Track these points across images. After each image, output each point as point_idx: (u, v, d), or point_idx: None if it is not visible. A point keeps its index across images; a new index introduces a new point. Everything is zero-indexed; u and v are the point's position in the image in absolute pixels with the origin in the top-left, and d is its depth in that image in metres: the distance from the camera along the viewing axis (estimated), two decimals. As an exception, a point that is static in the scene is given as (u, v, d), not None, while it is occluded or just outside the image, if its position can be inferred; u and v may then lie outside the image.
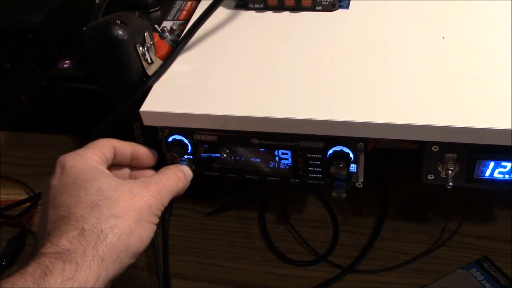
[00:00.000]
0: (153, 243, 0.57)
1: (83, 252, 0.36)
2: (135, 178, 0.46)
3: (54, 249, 0.36)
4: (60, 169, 0.41)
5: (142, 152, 0.47)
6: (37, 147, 0.77)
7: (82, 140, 0.65)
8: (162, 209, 0.42)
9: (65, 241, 0.36)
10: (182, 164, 0.47)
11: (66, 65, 0.58)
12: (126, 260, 0.38)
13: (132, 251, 0.38)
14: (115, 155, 0.44)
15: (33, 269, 0.34)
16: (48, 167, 0.72)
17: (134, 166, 0.47)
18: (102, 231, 0.37)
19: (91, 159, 0.41)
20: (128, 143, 0.46)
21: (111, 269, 0.37)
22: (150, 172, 0.47)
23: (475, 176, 0.45)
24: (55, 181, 0.40)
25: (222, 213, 0.66)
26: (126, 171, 0.47)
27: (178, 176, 0.44)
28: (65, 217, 0.37)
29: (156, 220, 0.41)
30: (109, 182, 0.39)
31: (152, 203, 0.40)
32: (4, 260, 0.61)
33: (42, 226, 0.39)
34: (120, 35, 0.45)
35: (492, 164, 0.44)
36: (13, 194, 0.71)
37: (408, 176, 0.67)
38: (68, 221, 0.37)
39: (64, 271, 0.35)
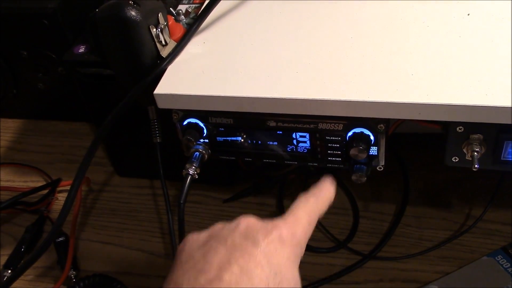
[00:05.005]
0: (170, 230, 0.56)
1: None
2: None
3: None
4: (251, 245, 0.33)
5: None
6: (55, 135, 0.77)
7: (98, 126, 0.65)
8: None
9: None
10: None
11: (81, 50, 0.57)
12: None
13: None
14: None
15: None
16: (66, 154, 0.74)
17: None
18: None
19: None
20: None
21: None
22: None
23: (502, 158, 0.43)
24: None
25: (240, 199, 0.65)
26: None
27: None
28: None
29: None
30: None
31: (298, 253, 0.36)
32: (23, 246, 0.61)
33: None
34: (133, 16, 0.44)
35: (520, 145, 0.42)
36: (32, 182, 0.71)
37: (430, 161, 0.65)
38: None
39: None
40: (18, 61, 0.70)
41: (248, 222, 0.35)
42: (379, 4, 0.51)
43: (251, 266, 0.31)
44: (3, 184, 0.70)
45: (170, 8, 0.56)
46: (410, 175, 0.64)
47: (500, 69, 0.41)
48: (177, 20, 0.55)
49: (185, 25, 0.55)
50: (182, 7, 0.58)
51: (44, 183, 0.70)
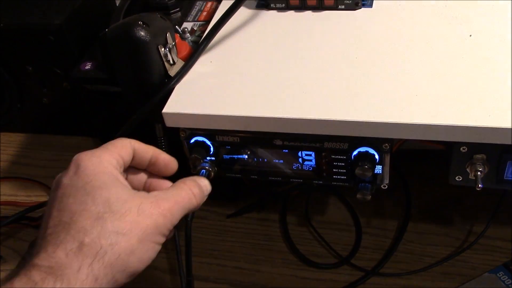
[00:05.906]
0: (175, 245, 0.57)
1: (78, 269, 0.33)
2: (149, 186, 0.44)
3: (48, 261, 0.34)
4: (74, 168, 0.38)
5: (161, 158, 0.43)
6: (59, 149, 0.78)
7: (103, 142, 0.65)
8: (171, 228, 0.39)
9: (61, 253, 0.34)
10: (201, 175, 0.45)
11: (88, 67, 0.58)
12: (122, 280, 0.35)
13: (130, 271, 0.36)
14: (133, 157, 0.42)
15: (20, 285, 0.32)
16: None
17: (151, 171, 0.44)
18: (101, 248, 0.34)
19: (108, 162, 0.39)
20: (149, 146, 0.43)
21: None
22: (166, 184, 0.44)
23: (505, 178, 0.43)
24: (66, 180, 0.38)
25: (243, 215, 0.66)
26: (143, 176, 0.44)
27: (193, 193, 0.41)
28: (66, 224, 0.35)
29: (162, 240, 0.38)
30: (119, 193, 0.37)
31: (160, 223, 0.37)
32: (27, 261, 0.62)
33: (43, 226, 0.37)
34: (142, 36, 0.45)
35: (523, 165, 0.43)
36: (35, 196, 0.71)
37: (432, 177, 0.65)
38: (68, 229, 0.35)
39: None
40: (24, 76, 0.71)
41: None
42: (383, 26, 0.52)
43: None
44: (7, 198, 0.70)
45: (176, 26, 0.56)
46: (412, 191, 0.64)
47: (503, 90, 0.42)
48: (182, 38, 0.56)
49: (191, 43, 0.55)
50: (188, 25, 0.58)
51: (48, 197, 0.70)
